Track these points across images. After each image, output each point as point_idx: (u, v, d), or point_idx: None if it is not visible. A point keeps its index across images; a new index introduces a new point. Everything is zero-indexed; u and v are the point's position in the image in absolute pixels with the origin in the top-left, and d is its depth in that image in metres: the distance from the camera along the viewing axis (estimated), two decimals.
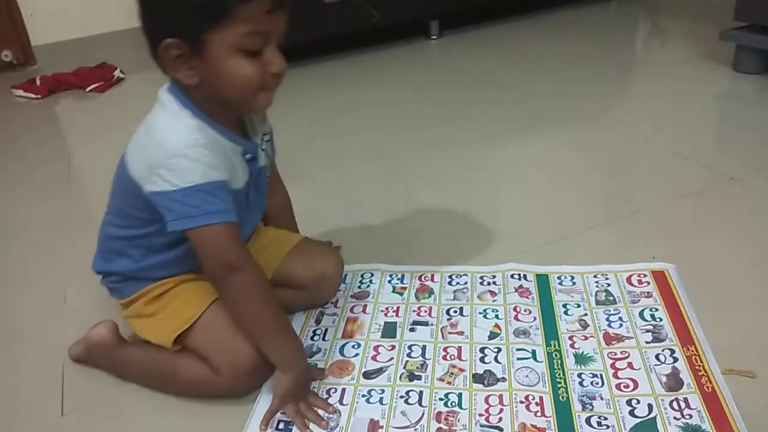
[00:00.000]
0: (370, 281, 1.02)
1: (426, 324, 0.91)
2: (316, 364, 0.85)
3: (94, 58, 2.34)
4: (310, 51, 2.18)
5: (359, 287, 1.00)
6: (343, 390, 0.81)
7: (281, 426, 0.77)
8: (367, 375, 0.83)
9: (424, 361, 0.84)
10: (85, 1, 2.54)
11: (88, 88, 2.16)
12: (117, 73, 2.25)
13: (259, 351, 0.78)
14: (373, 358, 0.85)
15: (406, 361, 0.84)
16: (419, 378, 0.81)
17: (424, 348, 0.86)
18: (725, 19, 1.70)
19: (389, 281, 1.01)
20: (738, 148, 1.35)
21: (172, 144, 0.71)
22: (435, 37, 2.31)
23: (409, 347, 0.87)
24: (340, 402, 0.79)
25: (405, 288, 0.99)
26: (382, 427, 0.75)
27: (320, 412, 0.78)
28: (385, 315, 0.94)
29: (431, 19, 2.29)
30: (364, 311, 0.95)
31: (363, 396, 0.79)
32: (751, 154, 1.29)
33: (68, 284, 1.11)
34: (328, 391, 0.81)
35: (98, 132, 1.83)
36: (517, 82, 1.86)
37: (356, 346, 0.88)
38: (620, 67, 1.91)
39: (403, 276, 1.02)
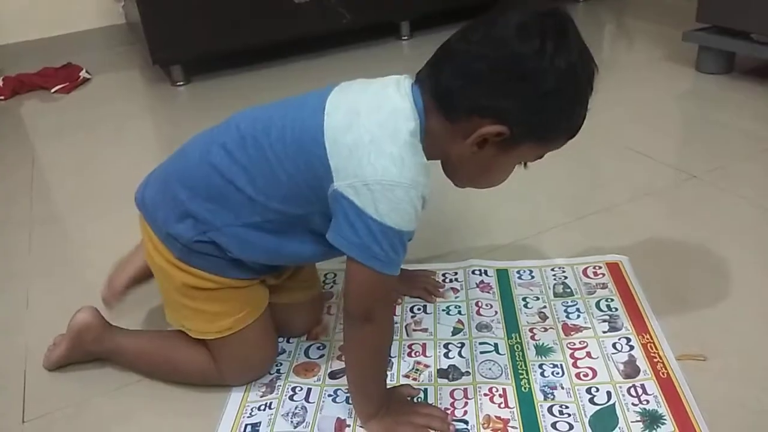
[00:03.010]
0: (334, 281, 1.02)
1: None
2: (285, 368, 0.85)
3: (60, 59, 2.29)
4: (280, 51, 2.18)
5: (323, 288, 1.00)
6: (309, 389, 0.81)
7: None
8: (333, 375, 0.83)
9: (390, 360, 0.84)
10: (50, 1, 2.49)
11: (53, 89, 2.12)
12: (83, 73, 2.21)
13: (267, 367, 0.83)
14: (339, 358, 0.85)
15: None
16: (386, 377, 0.82)
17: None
18: (688, 21, 1.74)
19: None
20: (700, 147, 1.39)
21: (404, 174, 0.64)
22: (406, 37, 2.33)
23: None
24: (306, 400, 0.79)
25: None
26: (349, 426, 0.75)
27: (435, 415, 0.75)
28: None
29: (402, 20, 2.30)
30: (328, 312, 0.95)
31: (329, 396, 0.79)
32: (712, 153, 1.33)
33: (31, 289, 1.09)
34: (293, 389, 0.81)
35: (63, 134, 1.79)
36: None
37: (321, 347, 0.88)
38: None
39: None
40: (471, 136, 0.66)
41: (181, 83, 2.06)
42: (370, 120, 0.66)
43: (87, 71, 2.23)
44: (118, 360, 0.87)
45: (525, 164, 0.75)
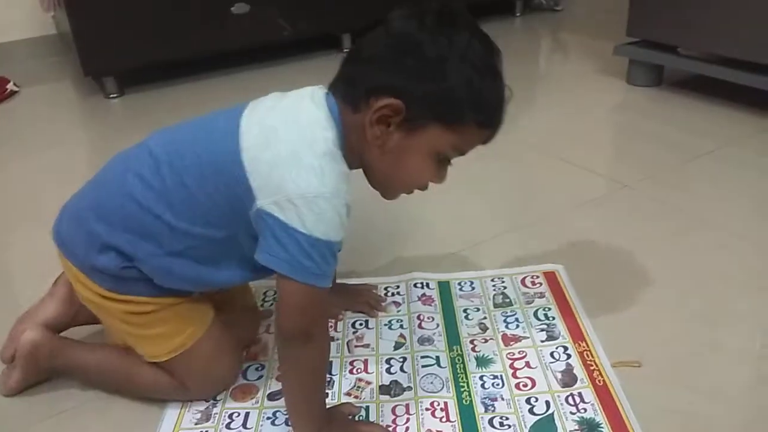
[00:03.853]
0: (274, 299, 0.99)
1: (332, 339, 0.90)
2: None
3: None
4: (218, 62, 2.14)
5: (262, 306, 0.98)
6: (247, 414, 0.78)
7: None
8: (272, 396, 0.81)
9: (331, 378, 0.83)
10: None
11: None
12: (10, 86, 2.10)
13: (231, 376, 0.82)
14: (278, 378, 0.83)
15: None
16: (326, 395, 0.80)
17: (330, 364, 0.85)
18: (619, 35, 1.81)
19: None
20: (631, 157, 1.44)
21: (326, 184, 0.64)
22: (348, 50, 2.33)
23: None
24: (244, 426, 0.76)
25: None
26: None
27: None
28: None
29: (343, 32, 2.30)
30: (267, 331, 0.92)
31: (268, 418, 0.77)
32: (643, 163, 1.38)
33: None
34: (230, 416, 0.78)
35: None
36: None
37: (260, 368, 0.86)
38: (523, 81, 1.99)
39: None
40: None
41: (115, 95, 1.99)
42: (287, 134, 0.66)
43: (15, 84, 2.13)
44: (79, 376, 0.83)
45: (449, 161, 0.73)
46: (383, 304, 0.96)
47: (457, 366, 0.84)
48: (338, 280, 0.97)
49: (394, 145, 0.68)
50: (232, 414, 0.78)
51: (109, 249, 0.72)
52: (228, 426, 0.77)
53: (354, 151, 0.69)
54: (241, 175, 0.66)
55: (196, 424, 0.77)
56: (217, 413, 0.78)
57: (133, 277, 0.73)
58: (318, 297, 0.67)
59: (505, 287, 0.99)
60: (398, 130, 0.67)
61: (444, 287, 1.00)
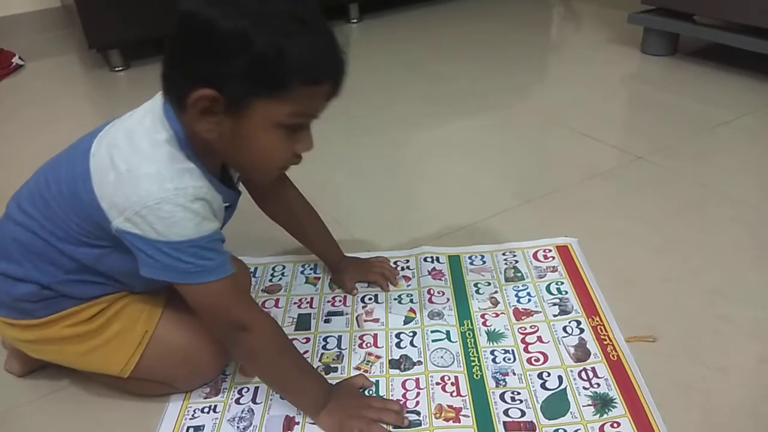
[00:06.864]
0: (282, 273, 0.99)
1: (341, 314, 0.89)
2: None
3: None
4: None
5: (270, 281, 0.97)
6: (256, 388, 0.78)
7: None
8: None
9: (340, 352, 0.82)
10: None
11: None
12: (15, 59, 2.08)
13: (216, 357, 0.77)
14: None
15: (322, 354, 0.82)
16: (335, 370, 0.80)
17: (339, 338, 0.85)
18: (634, 3, 1.76)
19: (302, 272, 0.99)
20: (646, 128, 1.41)
21: (165, 186, 0.62)
22: (355, 21, 2.28)
23: (325, 339, 0.85)
24: (253, 401, 0.76)
25: (318, 278, 0.97)
26: (298, 423, 0.73)
27: (389, 408, 0.73)
28: (299, 307, 0.91)
29: (351, 2, 2.25)
30: (276, 305, 0.92)
31: (277, 393, 0.76)
32: (658, 134, 1.35)
33: None
34: (240, 391, 0.78)
35: None
36: (436, 66, 1.86)
37: None
38: (535, 51, 1.95)
39: (315, 266, 1.00)
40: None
41: (120, 68, 1.97)
42: (125, 149, 0.65)
43: (20, 57, 2.11)
44: None
45: (304, 127, 0.67)
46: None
47: (468, 340, 0.83)
48: (350, 254, 0.97)
49: (230, 132, 0.63)
50: (241, 389, 0.78)
51: (20, 280, 0.72)
52: (237, 401, 0.76)
53: (202, 149, 0.66)
54: (92, 200, 0.65)
55: (205, 398, 0.77)
56: (226, 388, 0.78)
57: (58, 294, 0.72)
58: (222, 288, 0.66)
59: (516, 261, 0.98)
60: (227, 117, 0.62)
61: (454, 261, 0.98)
